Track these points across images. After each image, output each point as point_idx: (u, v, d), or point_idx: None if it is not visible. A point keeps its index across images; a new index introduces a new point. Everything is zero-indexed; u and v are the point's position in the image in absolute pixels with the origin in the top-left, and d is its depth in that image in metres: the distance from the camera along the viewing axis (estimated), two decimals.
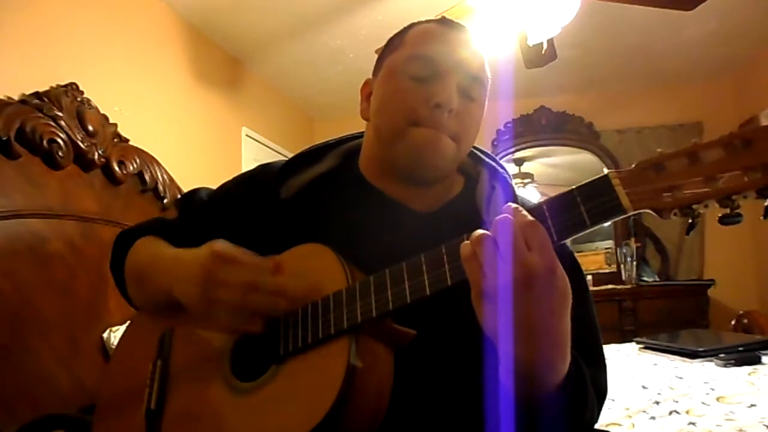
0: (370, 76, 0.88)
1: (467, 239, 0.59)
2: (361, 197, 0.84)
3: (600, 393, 0.74)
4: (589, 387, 0.65)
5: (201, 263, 0.69)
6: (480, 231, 0.56)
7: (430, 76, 0.77)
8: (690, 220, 0.53)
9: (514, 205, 0.56)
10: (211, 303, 0.68)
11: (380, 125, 0.82)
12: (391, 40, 0.86)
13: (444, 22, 0.82)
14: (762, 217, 0.50)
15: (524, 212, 0.55)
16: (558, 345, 0.57)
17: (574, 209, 0.55)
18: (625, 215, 0.54)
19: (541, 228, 0.54)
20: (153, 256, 0.85)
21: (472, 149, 0.88)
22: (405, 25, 0.86)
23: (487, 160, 0.86)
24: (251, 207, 0.86)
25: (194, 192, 0.97)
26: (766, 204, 0.50)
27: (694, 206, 0.52)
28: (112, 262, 0.94)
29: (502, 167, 0.84)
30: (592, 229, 0.55)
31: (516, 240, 0.53)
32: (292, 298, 0.68)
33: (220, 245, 0.70)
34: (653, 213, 0.53)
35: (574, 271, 0.78)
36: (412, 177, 0.80)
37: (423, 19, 0.85)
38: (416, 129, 0.76)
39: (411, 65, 0.78)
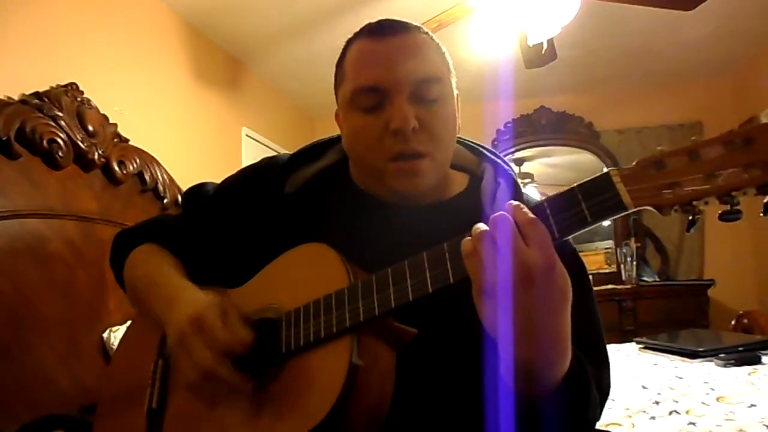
0: None
1: (469, 236, 0.60)
2: (358, 198, 0.84)
3: (602, 392, 0.74)
4: (592, 387, 0.65)
5: (181, 323, 0.70)
6: (481, 226, 0.56)
7: (380, 103, 0.75)
8: (690, 217, 0.53)
9: (515, 203, 0.56)
10: (178, 360, 0.71)
11: (357, 163, 0.83)
12: (336, 69, 0.83)
13: (375, 32, 0.78)
14: (762, 214, 0.51)
15: (525, 209, 0.56)
16: (557, 343, 0.57)
17: (576, 206, 0.56)
18: (626, 212, 0.54)
19: (541, 225, 0.55)
20: (151, 278, 0.84)
21: (475, 145, 0.88)
22: None
23: (491, 156, 0.85)
24: (255, 201, 0.86)
25: (200, 186, 0.96)
26: (765, 200, 0.50)
27: (695, 203, 0.52)
28: (111, 262, 0.95)
29: (506, 163, 0.84)
30: (593, 226, 0.56)
31: (515, 238, 0.54)
32: (244, 392, 0.68)
33: (203, 308, 0.70)
34: (654, 210, 0.54)
35: (578, 270, 0.78)
36: (402, 198, 0.80)
37: (361, 27, 0.81)
38: (392, 164, 0.75)
39: (357, 99, 0.76)
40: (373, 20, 0.80)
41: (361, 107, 0.76)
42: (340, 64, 0.82)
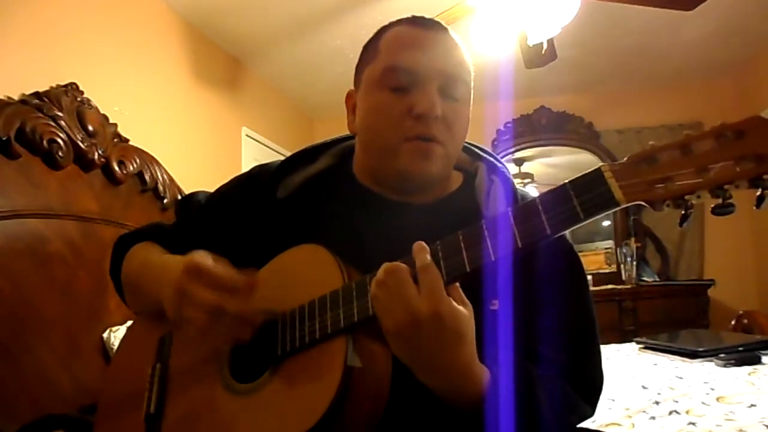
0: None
1: (462, 235, 0.60)
2: (357, 196, 0.84)
3: (592, 384, 0.74)
4: (535, 397, 0.65)
5: (176, 279, 0.69)
6: (382, 272, 0.60)
7: (409, 86, 0.76)
8: (683, 212, 0.53)
9: (419, 246, 0.60)
10: (182, 318, 0.69)
11: (369, 141, 0.82)
12: (365, 49, 0.84)
13: (417, 22, 0.80)
14: (754, 207, 0.51)
15: (425, 253, 0.59)
16: (457, 374, 0.61)
17: (568, 203, 0.56)
18: (618, 207, 0.54)
19: (433, 271, 0.58)
20: (144, 264, 0.85)
21: (469, 145, 0.88)
22: None
23: (485, 155, 0.86)
24: (249, 207, 0.86)
25: (192, 195, 0.97)
26: (758, 193, 0.50)
27: (687, 197, 0.52)
28: (111, 268, 0.95)
29: (500, 162, 0.84)
30: (585, 222, 0.56)
31: (403, 285, 0.58)
32: (255, 324, 0.69)
33: (196, 257, 0.70)
34: (646, 205, 0.54)
35: (572, 265, 0.79)
36: (405, 188, 0.81)
37: (395, 19, 0.83)
38: (407, 144, 0.76)
39: (388, 77, 0.77)
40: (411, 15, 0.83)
41: (390, 86, 0.77)
42: (372, 44, 0.82)
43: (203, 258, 0.69)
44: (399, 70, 0.76)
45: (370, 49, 0.83)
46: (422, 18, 0.81)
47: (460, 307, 0.59)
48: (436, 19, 0.81)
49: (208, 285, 0.67)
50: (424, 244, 0.61)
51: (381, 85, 0.78)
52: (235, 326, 0.68)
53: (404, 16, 0.82)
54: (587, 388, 0.74)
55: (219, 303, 0.66)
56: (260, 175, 0.89)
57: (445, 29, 0.80)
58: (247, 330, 0.68)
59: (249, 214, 0.85)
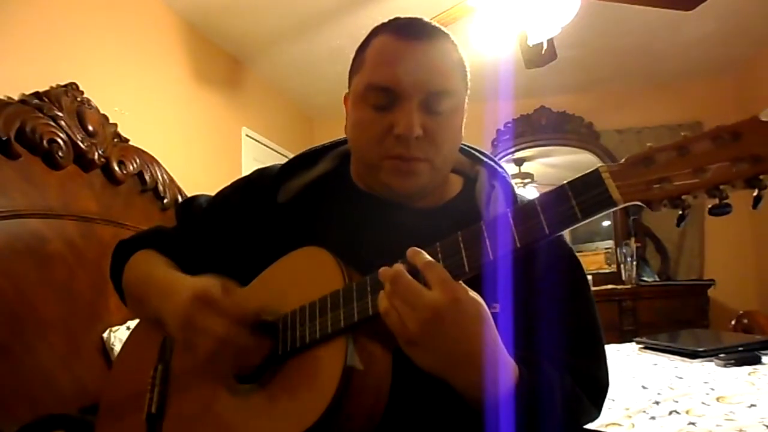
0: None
1: (461, 235, 0.61)
2: (357, 200, 0.84)
3: (597, 386, 0.74)
4: (551, 392, 0.65)
5: (183, 304, 0.70)
6: (389, 282, 0.59)
7: (390, 104, 0.75)
8: (680, 212, 0.54)
9: (413, 250, 0.61)
10: (190, 344, 0.71)
11: (356, 155, 0.84)
12: (356, 55, 0.82)
13: (401, 31, 0.76)
14: (752, 207, 0.51)
15: (422, 255, 0.60)
16: (486, 362, 0.60)
17: (566, 203, 0.56)
18: (616, 207, 0.55)
19: (437, 266, 0.59)
20: (146, 277, 0.85)
21: (470, 149, 0.88)
22: None
23: (485, 159, 0.86)
24: (249, 212, 0.86)
25: (193, 199, 0.97)
26: (755, 194, 0.50)
27: (684, 197, 0.53)
28: (111, 272, 0.95)
29: (501, 166, 0.85)
30: (583, 222, 0.56)
31: (413, 288, 0.58)
32: (260, 354, 0.70)
33: (204, 285, 0.71)
34: (643, 205, 0.54)
35: (572, 269, 0.79)
36: (396, 197, 0.81)
37: (386, 20, 0.80)
38: (388, 161, 0.76)
39: (370, 95, 0.76)
40: (403, 16, 0.81)
41: (371, 103, 0.76)
42: (361, 51, 0.81)
43: (212, 286, 0.70)
44: (380, 88, 0.75)
45: (358, 55, 0.81)
46: (408, 25, 0.77)
47: (474, 294, 0.59)
48: (428, 21, 0.79)
49: (217, 314, 0.68)
50: (417, 248, 0.61)
51: (364, 102, 0.77)
52: (240, 357, 0.69)
53: (397, 16, 0.80)
54: (593, 389, 0.74)
55: (229, 333, 0.67)
56: (260, 179, 0.89)
57: (432, 37, 0.76)
58: (251, 359, 0.69)
59: (250, 219, 0.86)
